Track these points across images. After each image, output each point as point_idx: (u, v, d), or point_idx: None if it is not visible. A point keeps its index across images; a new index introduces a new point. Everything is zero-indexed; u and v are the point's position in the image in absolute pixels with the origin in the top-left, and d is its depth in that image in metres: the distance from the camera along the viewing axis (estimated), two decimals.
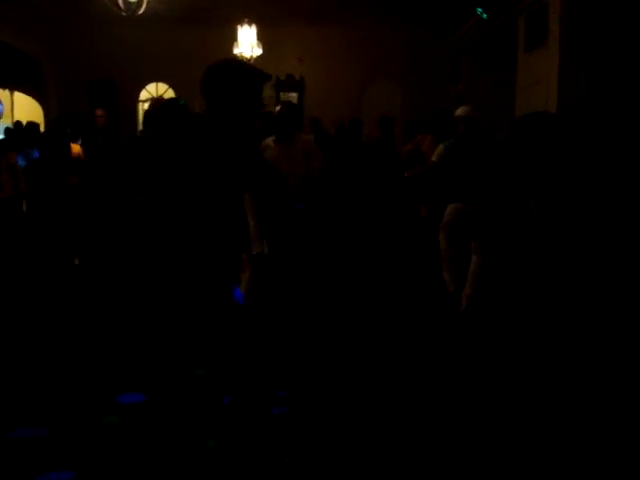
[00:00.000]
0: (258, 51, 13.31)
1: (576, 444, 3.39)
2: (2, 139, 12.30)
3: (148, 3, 7.43)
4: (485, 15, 9.50)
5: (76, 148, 7.23)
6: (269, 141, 5.91)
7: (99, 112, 8.32)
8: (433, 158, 6.24)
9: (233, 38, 13.12)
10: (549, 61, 8.08)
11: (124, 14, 7.34)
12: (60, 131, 7.30)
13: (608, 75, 7.54)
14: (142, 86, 16.45)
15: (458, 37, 12.45)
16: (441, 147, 6.15)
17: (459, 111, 6.13)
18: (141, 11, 7.28)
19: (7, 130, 13.15)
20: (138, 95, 16.43)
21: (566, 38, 7.75)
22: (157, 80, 16.17)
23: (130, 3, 7.49)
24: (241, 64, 3.14)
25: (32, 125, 11.21)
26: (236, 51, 13.15)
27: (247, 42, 13.09)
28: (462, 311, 5.80)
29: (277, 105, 5.90)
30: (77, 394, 4.21)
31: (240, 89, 3.00)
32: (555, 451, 3.35)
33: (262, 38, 13.39)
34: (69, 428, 3.73)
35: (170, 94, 15.94)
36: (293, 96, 15.28)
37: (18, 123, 12.88)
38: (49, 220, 7.12)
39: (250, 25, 13.00)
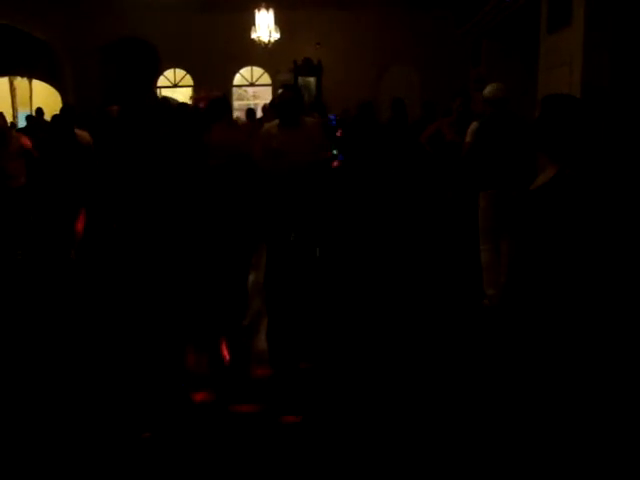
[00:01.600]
0: (276, 35, 13.22)
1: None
2: (24, 127, 12.37)
3: None
4: None
5: (84, 135, 7.13)
6: (271, 127, 5.55)
7: (114, 108, 8.26)
8: (467, 138, 5.85)
9: (251, 22, 13.03)
10: (573, 42, 7.92)
11: None
12: (64, 118, 7.18)
13: (635, 57, 7.38)
14: (160, 72, 16.43)
15: (479, 19, 12.27)
16: (475, 125, 5.76)
17: (487, 91, 5.71)
18: None
19: (28, 117, 13.19)
20: (156, 82, 16.40)
21: (591, 18, 7.58)
22: (175, 66, 16.13)
23: None
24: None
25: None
26: (254, 35, 13.07)
27: (265, 26, 13.00)
28: (490, 307, 5.53)
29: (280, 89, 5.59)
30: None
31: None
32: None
33: (280, 22, 13.29)
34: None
35: (188, 80, 15.90)
36: (311, 80, 15.18)
37: (40, 110, 12.88)
38: (49, 211, 6.98)
39: (268, 9, 12.89)
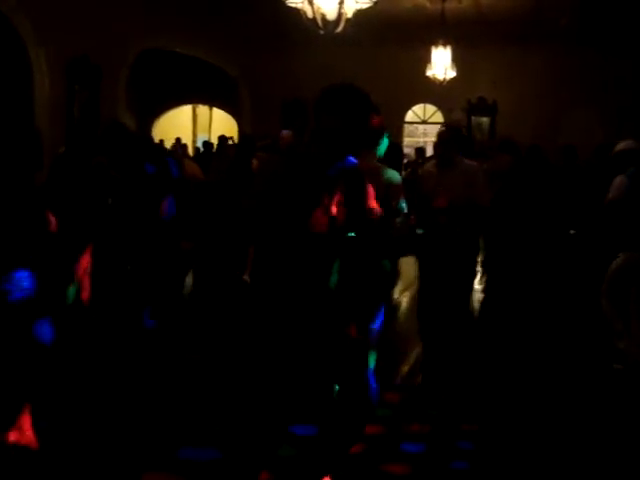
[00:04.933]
0: (452, 73, 12.98)
1: None
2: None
3: (346, 21, 7.35)
4: None
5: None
6: (430, 166, 5.62)
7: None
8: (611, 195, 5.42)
9: (427, 59, 12.89)
10: None
11: (322, 32, 7.31)
12: (245, 149, 7.58)
13: None
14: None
15: None
16: (623, 179, 5.35)
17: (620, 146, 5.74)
18: (339, 29, 7.23)
19: (205, 143, 13.82)
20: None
21: None
22: None
23: (329, 22, 7.45)
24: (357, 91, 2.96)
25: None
26: (429, 72, 12.92)
27: (441, 64, 12.79)
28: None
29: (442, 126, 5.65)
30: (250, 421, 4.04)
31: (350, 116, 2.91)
32: None
33: (455, 60, 13.04)
34: (240, 455, 3.58)
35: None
36: (484, 120, 14.79)
37: (223, 137, 13.18)
38: (224, 235, 7.23)
39: (445, 46, 12.69)
